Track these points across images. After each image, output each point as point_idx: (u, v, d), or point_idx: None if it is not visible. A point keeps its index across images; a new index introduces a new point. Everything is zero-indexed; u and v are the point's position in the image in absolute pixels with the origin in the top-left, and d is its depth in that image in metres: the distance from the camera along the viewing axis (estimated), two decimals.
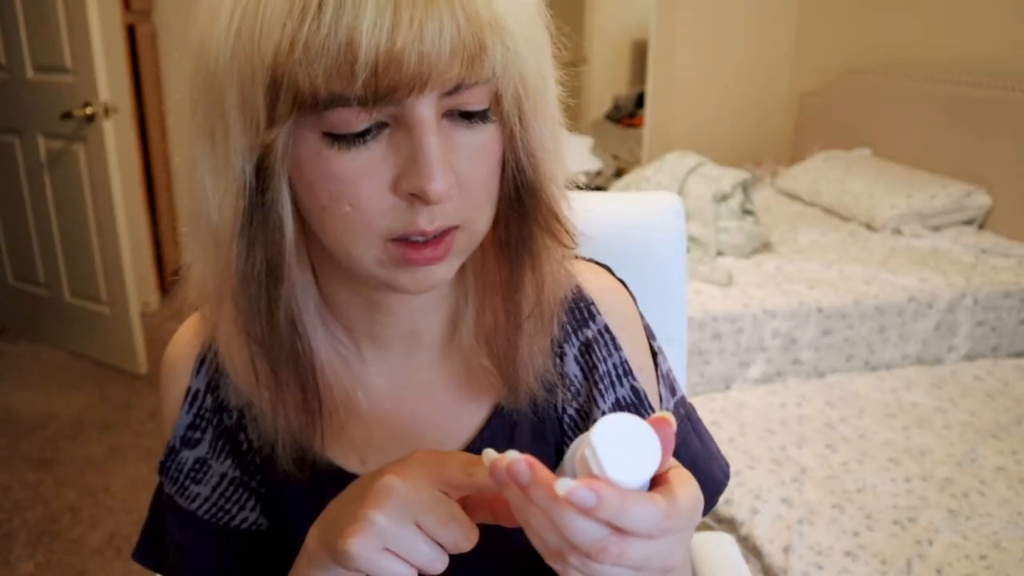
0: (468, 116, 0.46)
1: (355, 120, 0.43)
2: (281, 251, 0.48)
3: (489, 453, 0.42)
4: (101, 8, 2.56)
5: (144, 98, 3.24)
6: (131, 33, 3.16)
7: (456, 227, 0.48)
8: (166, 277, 3.43)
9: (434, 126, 0.44)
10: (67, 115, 2.55)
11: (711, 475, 0.65)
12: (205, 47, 0.45)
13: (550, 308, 0.55)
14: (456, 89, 0.44)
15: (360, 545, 0.45)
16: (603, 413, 0.59)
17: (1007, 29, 2.70)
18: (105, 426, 2.49)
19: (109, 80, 2.59)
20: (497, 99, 0.47)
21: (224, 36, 0.43)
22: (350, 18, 0.40)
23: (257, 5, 0.42)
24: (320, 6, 0.40)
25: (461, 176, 0.46)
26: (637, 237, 0.86)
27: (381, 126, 0.44)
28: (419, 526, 0.45)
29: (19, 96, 2.76)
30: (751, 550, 1.44)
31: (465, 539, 0.45)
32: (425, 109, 0.43)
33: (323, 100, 0.42)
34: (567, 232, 0.53)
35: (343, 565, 0.46)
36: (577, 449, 0.39)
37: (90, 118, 2.55)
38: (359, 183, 0.45)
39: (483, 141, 0.47)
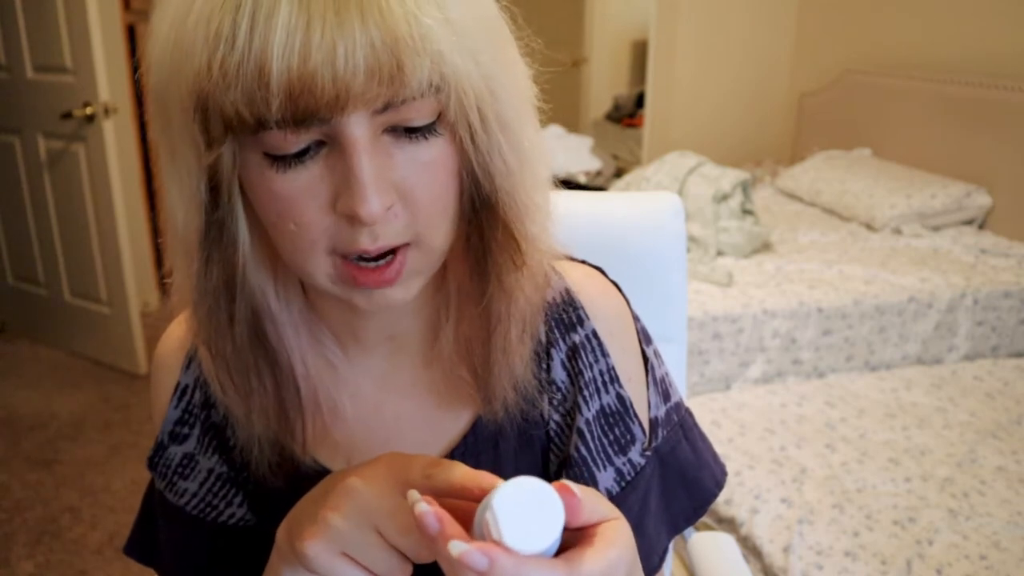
0: (411, 131, 0.45)
1: (286, 142, 0.43)
2: (235, 267, 0.49)
3: (412, 495, 0.41)
4: (101, 8, 2.56)
5: (144, 98, 3.24)
6: (131, 33, 3.16)
7: (406, 244, 0.47)
8: (166, 277, 3.43)
9: (366, 145, 0.43)
10: (67, 115, 2.55)
11: (700, 484, 0.64)
12: (151, 69, 0.45)
13: (521, 320, 0.53)
14: (387, 107, 0.42)
15: (316, 547, 0.44)
16: (586, 421, 0.58)
17: (1007, 29, 2.70)
18: (105, 426, 2.49)
19: (109, 80, 2.59)
20: (444, 112, 0.45)
21: (160, 60, 0.43)
22: (260, 41, 0.39)
23: (183, 30, 0.42)
24: (233, 31, 0.40)
25: (408, 192, 0.45)
26: (637, 237, 0.86)
27: (319, 144, 0.44)
28: (379, 532, 0.44)
29: (19, 96, 2.76)
30: (751, 550, 1.44)
31: (426, 549, 0.43)
32: (356, 128, 0.42)
33: (249, 124, 0.42)
34: (521, 251, 0.51)
35: (303, 566, 0.45)
36: (482, 506, 0.39)
37: (90, 118, 2.55)
38: (300, 203, 0.44)
39: (431, 156, 0.45)
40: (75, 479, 2.22)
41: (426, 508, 0.39)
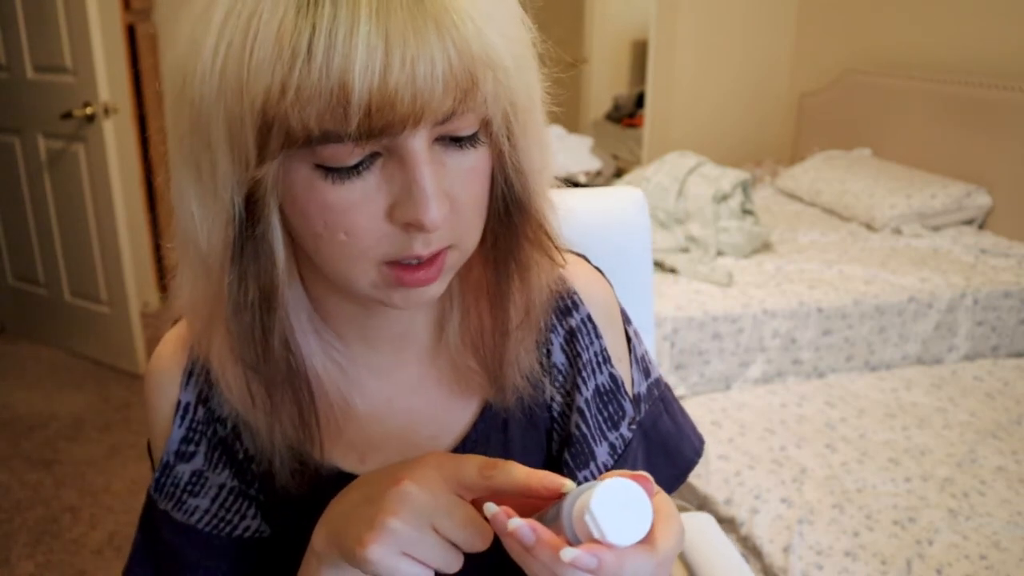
0: (458, 140, 0.46)
1: (347, 155, 0.43)
2: (274, 280, 0.49)
3: (490, 507, 0.44)
4: (101, 8, 2.56)
5: (144, 98, 3.24)
6: (131, 33, 3.16)
7: (449, 246, 0.49)
8: (166, 277, 3.43)
9: (427, 157, 0.44)
10: (67, 115, 2.55)
11: (681, 453, 0.69)
12: (188, 82, 0.44)
13: (537, 315, 0.57)
14: (447, 119, 0.44)
15: (379, 552, 0.46)
16: (585, 400, 0.61)
17: (1007, 29, 2.70)
18: (105, 426, 2.49)
19: (109, 80, 2.59)
20: (486, 122, 0.47)
21: (209, 73, 0.42)
22: (341, 60, 0.39)
23: (243, 46, 0.41)
24: (310, 49, 0.40)
25: (453, 198, 0.47)
26: (602, 233, 0.88)
27: (374, 156, 0.45)
28: (435, 529, 0.46)
29: (19, 96, 2.76)
30: (751, 550, 1.44)
31: (481, 539, 0.46)
32: (418, 141, 0.44)
33: (316, 138, 0.42)
34: (556, 248, 0.54)
35: (361, 569, 0.47)
36: (574, 508, 0.43)
37: (90, 118, 2.55)
38: (354, 213, 0.45)
39: (473, 163, 0.47)
40: (75, 479, 2.22)
41: (519, 522, 0.43)
